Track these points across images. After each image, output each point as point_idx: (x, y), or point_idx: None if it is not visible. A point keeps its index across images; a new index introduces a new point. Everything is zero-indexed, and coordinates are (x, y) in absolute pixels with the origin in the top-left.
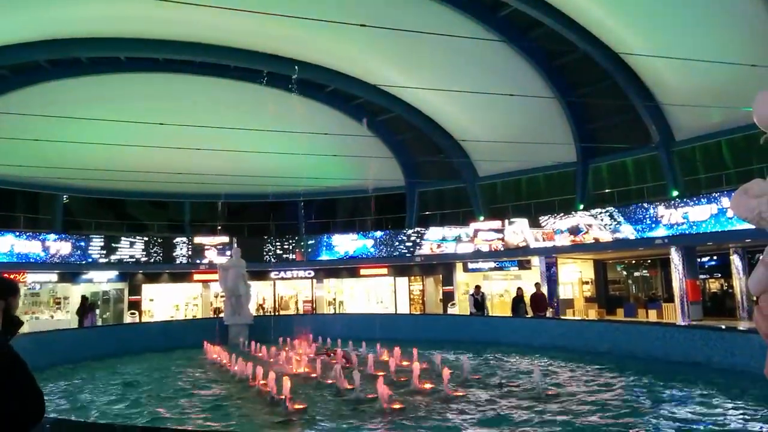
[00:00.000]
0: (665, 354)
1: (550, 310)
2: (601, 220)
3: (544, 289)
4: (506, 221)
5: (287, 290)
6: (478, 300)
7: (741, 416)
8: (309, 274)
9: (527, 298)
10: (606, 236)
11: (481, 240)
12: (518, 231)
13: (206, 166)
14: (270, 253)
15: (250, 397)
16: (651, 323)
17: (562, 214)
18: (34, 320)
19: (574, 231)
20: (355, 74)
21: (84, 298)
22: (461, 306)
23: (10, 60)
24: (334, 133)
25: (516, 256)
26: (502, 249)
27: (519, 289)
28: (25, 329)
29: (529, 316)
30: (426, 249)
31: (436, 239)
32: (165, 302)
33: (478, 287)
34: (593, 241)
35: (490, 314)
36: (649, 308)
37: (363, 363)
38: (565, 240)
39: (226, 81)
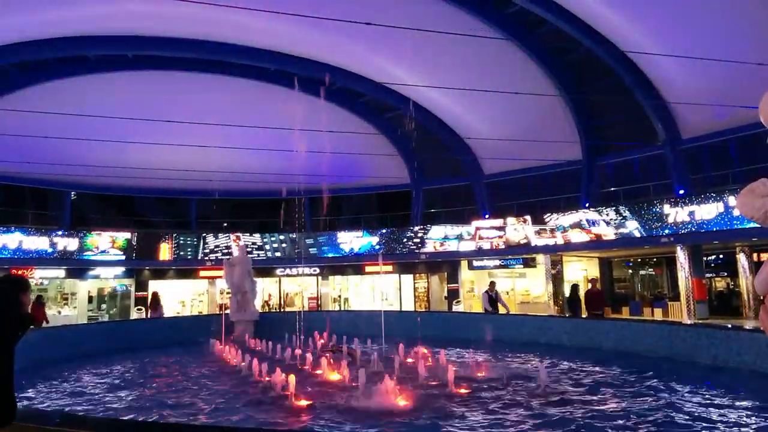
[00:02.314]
0: (671, 353)
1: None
2: (607, 215)
3: (549, 287)
4: (507, 219)
5: (293, 287)
6: (493, 297)
7: (746, 415)
8: (314, 271)
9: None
10: (611, 234)
11: (483, 238)
12: (519, 228)
13: (213, 163)
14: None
15: (255, 393)
16: (657, 322)
17: (562, 213)
18: None
19: (577, 227)
20: (361, 72)
21: (155, 293)
22: (466, 304)
23: (19, 58)
24: (340, 131)
25: (520, 254)
26: (504, 247)
27: (575, 286)
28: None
29: (584, 316)
30: (429, 247)
31: (438, 237)
32: (171, 298)
33: (492, 284)
34: (594, 237)
35: (509, 312)
36: (654, 307)
37: (368, 360)
38: (568, 235)
39: (232, 78)
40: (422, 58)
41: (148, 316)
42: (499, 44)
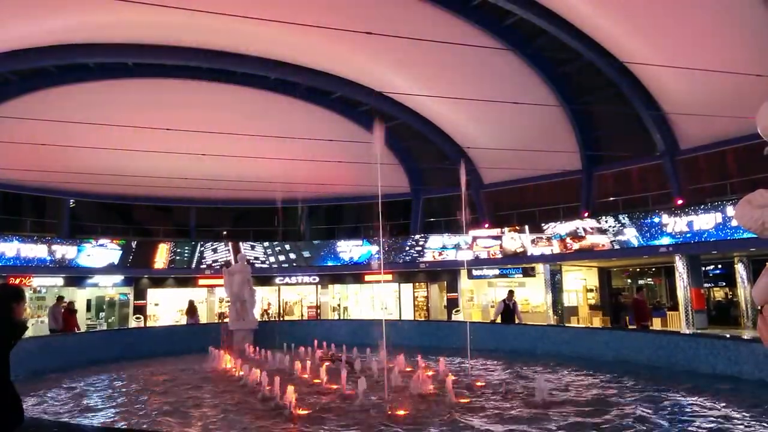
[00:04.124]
0: (670, 362)
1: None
2: (606, 224)
3: (549, 297)
4: (504, 228)
5: (292, 296)
6: (510, 307)
7: (748, 426)
8: (314, 279)
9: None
10: (610, 243)
11: (480, 247)
12: (516, 237)
13: (212, 172)
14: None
15: (254, 402)
16: (656, 331)
17: (561, 222)
18: (40, 324)
19: (575, 236)
20: (362, 81)
21: (191, 301)
22: (466, 313)
23: (19, 65)
24: (340, 139)
25: (519, 263)
26: (501, 256)
27: (618, 295)
28: (30, 333)
29: (631, 327)
30: (428, 256)
31: (437, 247)
32: (170, 307)
33: (511, 292)
34: (592, 246)
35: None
36: (653, 316)
37: (367, 369)
38: (566, 245)
39: (233, 87)
40: (422, 67)
41: (186, 323)
42: (499, 54)
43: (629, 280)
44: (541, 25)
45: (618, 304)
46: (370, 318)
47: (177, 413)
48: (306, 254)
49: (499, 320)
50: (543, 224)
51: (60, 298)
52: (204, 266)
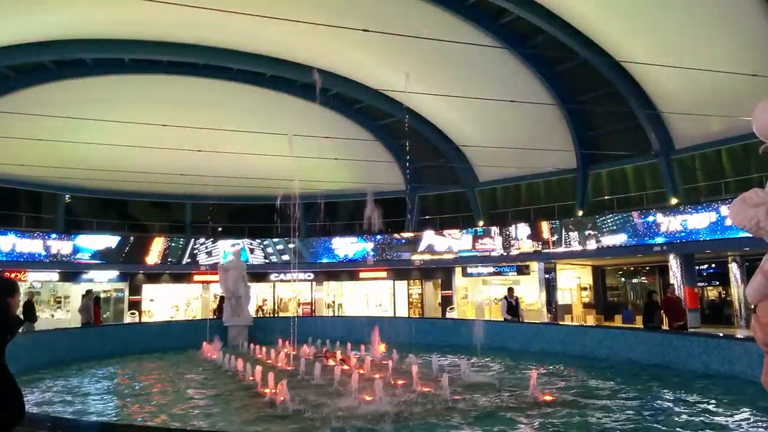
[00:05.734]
0: (663, 361)
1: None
2: (600, 223)
3: (543, 296)
4: (500, 226)
5: (287, 292)
6: (512, 304)
7: (741, 425)
8: (309, 276)
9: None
10: (604, 242)
11: (476, 245)
12: (511, 235)
13: (208, 168)
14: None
15: (248, 398)
16: (649, 330)
17: (556, 220)
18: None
19: (569, 234)
20: (358, 78)
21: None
22: (460, 310)
23: (16, 60)
24: (335, 136)
25: (513, 261)
26: (497, 254)
27: (652, 293)
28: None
29: (664, 327)
30: (423, 254)
31: (431, 243)
32: (165, 302)
33: (511, 290)
34: (586, 245)
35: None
36: None
37: (361, 365)
38: (561, 243)
39: (229, 83)
40: (419, 65)
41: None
42: (496, 53)
43: (623, 279)
44: (537, 24)
45: (651, 303)
46: (366, 315)
47: (169, 408)
48: (302, 250)
49: (507, 317)
50: (539, 223)
51: (89, 291)
52: (196, 262)
